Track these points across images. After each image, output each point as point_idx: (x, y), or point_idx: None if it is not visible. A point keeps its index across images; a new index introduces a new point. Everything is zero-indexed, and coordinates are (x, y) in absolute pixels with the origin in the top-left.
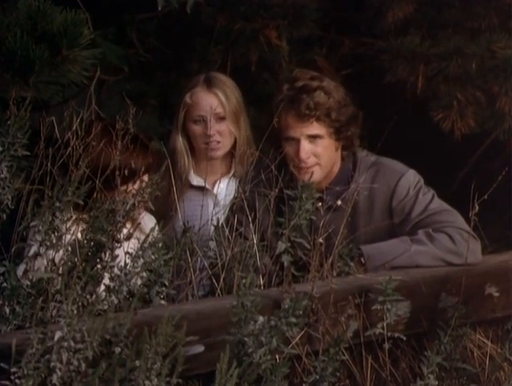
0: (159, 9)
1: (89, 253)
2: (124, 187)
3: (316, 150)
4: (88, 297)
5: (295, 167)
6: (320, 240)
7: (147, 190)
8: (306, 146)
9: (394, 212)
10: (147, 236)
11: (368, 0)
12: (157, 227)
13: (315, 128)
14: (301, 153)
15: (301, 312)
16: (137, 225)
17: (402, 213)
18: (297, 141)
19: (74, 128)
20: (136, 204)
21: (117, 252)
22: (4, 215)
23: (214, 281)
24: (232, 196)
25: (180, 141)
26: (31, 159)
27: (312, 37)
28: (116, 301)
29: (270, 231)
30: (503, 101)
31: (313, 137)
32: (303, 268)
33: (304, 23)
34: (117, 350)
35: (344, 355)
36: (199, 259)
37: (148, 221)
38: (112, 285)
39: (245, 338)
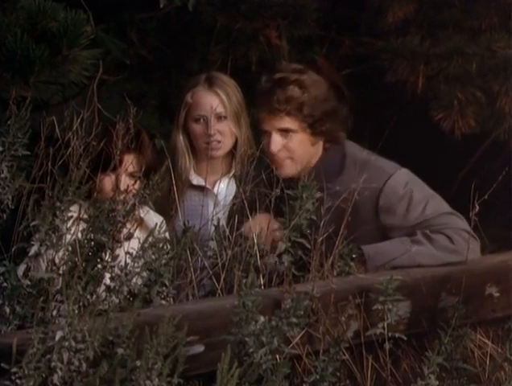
0: (161, 6)
1: (90, 253)
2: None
3: (288, 144)
4: (88, 297)
5: (270, 160)
6: (314, 236)
7: (147, 191)
8: (277, 140)
9: (380, 212)
10: (149, 234)
11: (368, 0)
12: (163, 225)
13: (287, 122)
14: (271, 146)
15: (302, 312)
16: (138, 224)
17: (394, 215)
18: (269, 135)
19: (74, 128)
20: (136, 204)
21: (117, 251)
22: (4, 215)
23: (215, 280)
24: (232, 196)
25: (181, 141)
26: (32, 159)
27: (312, 37)
28: (116, 301)
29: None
30: (503, 101)
31: (285, 131)
32: (304, 268)
33: (304, 23)
34: (120, 351)
35: (344, 355)
36: (199, 259)
37: (152, 217)
38: (112, 285)
39: (246, 338)
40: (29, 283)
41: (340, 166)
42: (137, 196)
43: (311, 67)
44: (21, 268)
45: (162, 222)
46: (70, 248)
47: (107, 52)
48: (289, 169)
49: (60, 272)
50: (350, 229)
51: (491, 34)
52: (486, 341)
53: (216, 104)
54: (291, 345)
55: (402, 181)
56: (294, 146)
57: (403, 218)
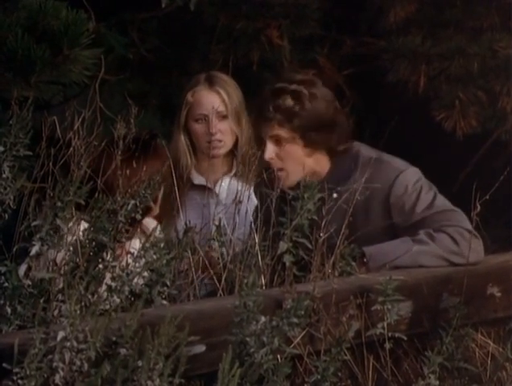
0: (163, 6)
1: (91, 253)
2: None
3: (280, 153)
4: (90, 297)
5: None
6: (321, 234)
7: (148, 191)
8: (269, 147)
9: (392, 209)
10: (149, 236)
11: (369, 0)
12: (158, 228)
13: (277, 130)
14: (265, 153)
15: (303, 312)
16: (137, 225)
17: (402, 211)
18: (264, 142)
19: (75, 127)
20: (138, 204)
21: (119, 251)
22: (6, 215)
23: (216, 280)
24: (234, 195)
25: (182, 140)
26: (33, 159)
27: (314, 37)
28: (118, 301)
29: (271, 230)
30: (505, 101)
31: (278, 140)
32: (305, 268)
33: (306, 23)
34: (123, 351)
35: (345, 355)
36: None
37: (149, 223)
38: (114, 285)
39: (247, 338)
40: (30, 283)
41: (354, 166)
42: (137, 196)
43: (315, 74)
44: (22, 268)
45: (156, 225)
46: (71, 248)
47: (109, 51)
48: (284, 181)
49: (62, 272)
50: (361, 228)
51: (492, 34)
52: (488, 341)
53: (217, 104)
54: (292, 345)
55: (412, 177)
56: (284, 156)
57: (410, 213)
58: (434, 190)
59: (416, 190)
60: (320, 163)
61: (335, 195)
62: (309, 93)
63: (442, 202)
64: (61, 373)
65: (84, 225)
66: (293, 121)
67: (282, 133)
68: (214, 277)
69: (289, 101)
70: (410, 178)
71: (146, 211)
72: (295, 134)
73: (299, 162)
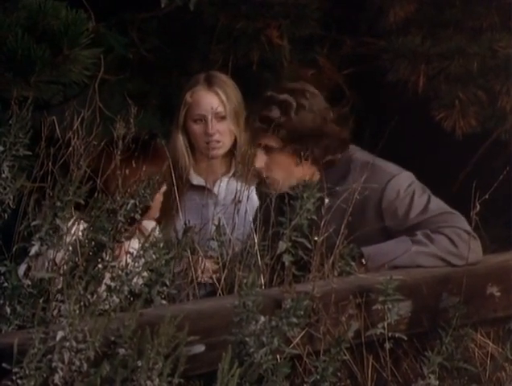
0: (163, 6)
1: (90, 253)
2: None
3: (268, 162)
4: (89, 296)
5: None
6: (316, 238)
7: (147, 191)
8: (260, 155)
9: (384, 213)
10: (148, 235)
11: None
12: (157, 229)
13: (266, 139)
14: (256, 162)
15: (302, 312)
16: (137, 225)
17: (396, 215)
18: (256, 149)
19: (75, 127)
20: (137, 204)
21: (117, 252)
22: (6, 215)
23: (215, 280)
24: (232, 195)
25: (181, 141)
26: (33, 159)
27: (314, 36)
28: (117, 301)
29: (271, 230)
30: (504, 100)
31: (267, 148)
32: (304, 268)
33: (306, 23)
34: (122, 351)
35: (345, 355)
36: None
37: (148, 223)
38: (113, 284)
39: (247, 338)
40: (30, 283)
41: (347, 170)
42: (137, 196)
43: (315, 74)
44: (22, 268)
45: (156, 225)
46: (71, 248)
47: (109, 50)
48: (275, 188)
49: (61, 272)
50: (355, 230)
51: (492, 34)
52: (487, 341)
53: (215, 104)
54: (291, 345)
55: (404, 182)
56: (272, 164)
57: (404, 218)
58: (428, 193)
59: (409, 194)
60: (309, 172)
61: (327, 201)
62: (297, 104)
63: (437, 205)
64: (60, 373)
65: (83, 225)
66: (279, 132)
67: (270, 142)
68: (213, 277)
69: (276, 112)
70: (402, 182)
71: (145, 212)
72: (282, 144)
73: (286, 170)
